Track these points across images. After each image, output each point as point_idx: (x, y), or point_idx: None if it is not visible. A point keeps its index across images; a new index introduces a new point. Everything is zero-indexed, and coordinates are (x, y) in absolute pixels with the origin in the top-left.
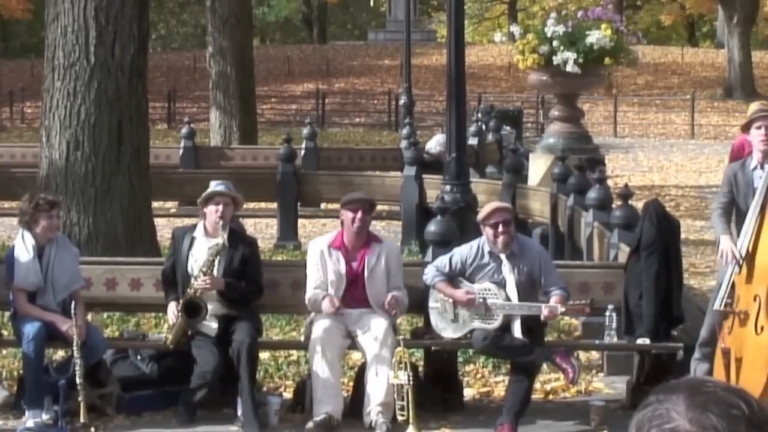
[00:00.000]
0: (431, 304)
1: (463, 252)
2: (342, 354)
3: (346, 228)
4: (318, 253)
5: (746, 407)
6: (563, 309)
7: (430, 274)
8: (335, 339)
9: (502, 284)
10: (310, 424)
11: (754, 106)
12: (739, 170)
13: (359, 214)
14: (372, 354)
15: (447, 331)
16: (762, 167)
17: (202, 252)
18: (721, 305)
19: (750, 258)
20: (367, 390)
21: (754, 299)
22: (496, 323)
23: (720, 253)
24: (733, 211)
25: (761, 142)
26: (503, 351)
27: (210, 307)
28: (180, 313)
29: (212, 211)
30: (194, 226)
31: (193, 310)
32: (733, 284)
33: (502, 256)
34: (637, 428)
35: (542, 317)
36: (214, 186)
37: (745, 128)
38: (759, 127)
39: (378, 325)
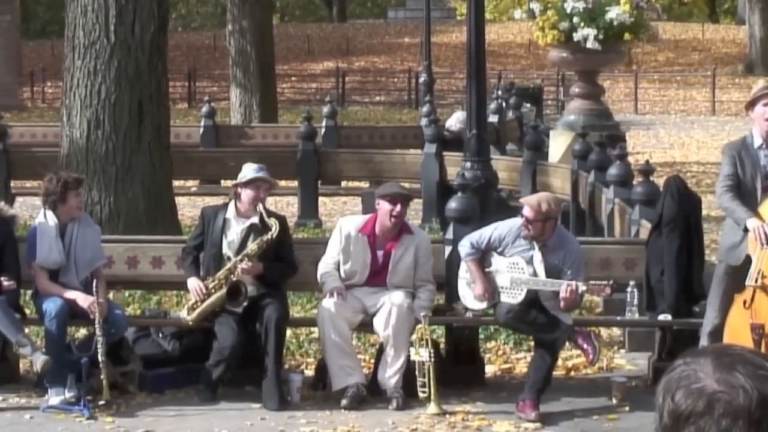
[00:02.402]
0: (461, 273)
1: (502, 229)
2: (352, 327)
3: (381, 217)
4: (345, 235)
5: None
6: (584, 287)
7: (465, 247)
8: (344, 313)
9: (530, 262)
10: (344, 401)
11: (760, 83)
12: (742, 149)
13: (398, 208)
14: (390, 328)
15: (472, 301)
16: (767, 146)
17: (236, 233)
18: (754, 281)
19: None
20: (384, 364)
21: None
22: (520, 298)
23: (754, 233)
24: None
25: (766, 121)
26: (526, 325)
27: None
28: (220, 293)
29: (250, 195)
30: (225, 206)
31: (235, 292)
32: (748, 259)
33: (535, 244)
34: (665, 390)
35: (561, 297)
36: (256, 171)
37: (750, 106)
38: (766, 105)
39: (396, 299)
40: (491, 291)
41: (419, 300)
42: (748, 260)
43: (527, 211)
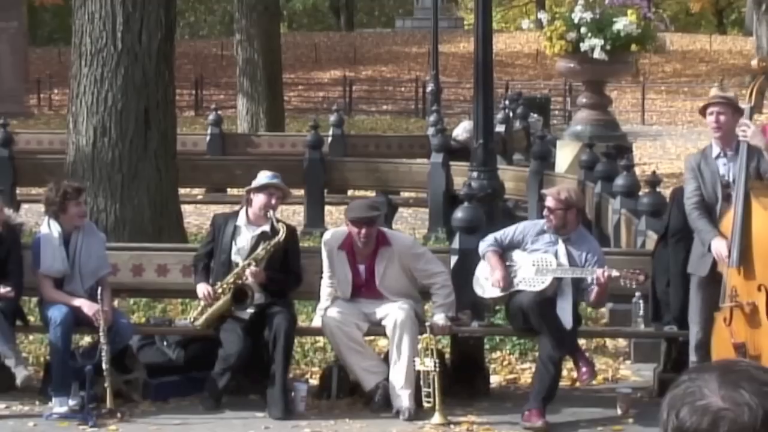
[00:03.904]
0: (479, 269)
1: (526, 225)
2: (362, 333)
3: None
4: (328, 250)
5: None
6: (617, 273)
7: (487, 241)
8: (352, 320)
9: (555, 255)
10: (373, 403)
11: (712, 91)
12: (702, 160)
13: (363, 231)
14: (394, 339)
15: (489, 291)
16: (725, 154)
17: (246, 240)
18: (725, 301)
19: (746, 249)
20: (390, 375)
21: (759, 289)
22: (543, 286)
23: (716, 256)
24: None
25: (712, 129)
26: (543, 318)
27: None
28: (227, 297)
29: (261, 201)
30: (236, 214)
31: (241, 295)
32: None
33: (559, 239)
34: (670, 407)
35: (595, 283)
36: (269, 177)
37: (702, 112)
38: (711, 113)
39: (398, 310)
40: (509, 280)
41: (436, 304)
42: (720, 277)
43: (549, 201)
